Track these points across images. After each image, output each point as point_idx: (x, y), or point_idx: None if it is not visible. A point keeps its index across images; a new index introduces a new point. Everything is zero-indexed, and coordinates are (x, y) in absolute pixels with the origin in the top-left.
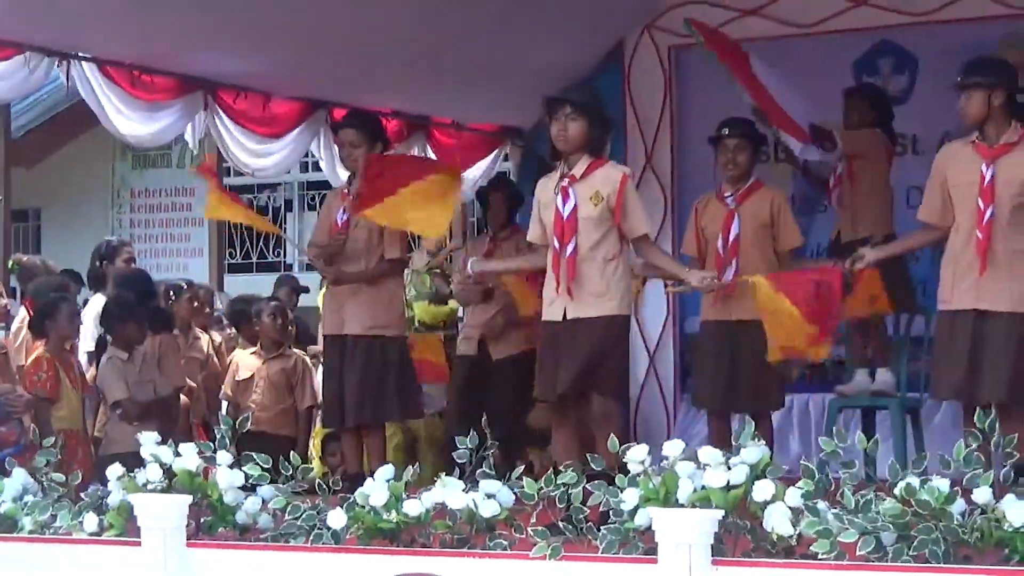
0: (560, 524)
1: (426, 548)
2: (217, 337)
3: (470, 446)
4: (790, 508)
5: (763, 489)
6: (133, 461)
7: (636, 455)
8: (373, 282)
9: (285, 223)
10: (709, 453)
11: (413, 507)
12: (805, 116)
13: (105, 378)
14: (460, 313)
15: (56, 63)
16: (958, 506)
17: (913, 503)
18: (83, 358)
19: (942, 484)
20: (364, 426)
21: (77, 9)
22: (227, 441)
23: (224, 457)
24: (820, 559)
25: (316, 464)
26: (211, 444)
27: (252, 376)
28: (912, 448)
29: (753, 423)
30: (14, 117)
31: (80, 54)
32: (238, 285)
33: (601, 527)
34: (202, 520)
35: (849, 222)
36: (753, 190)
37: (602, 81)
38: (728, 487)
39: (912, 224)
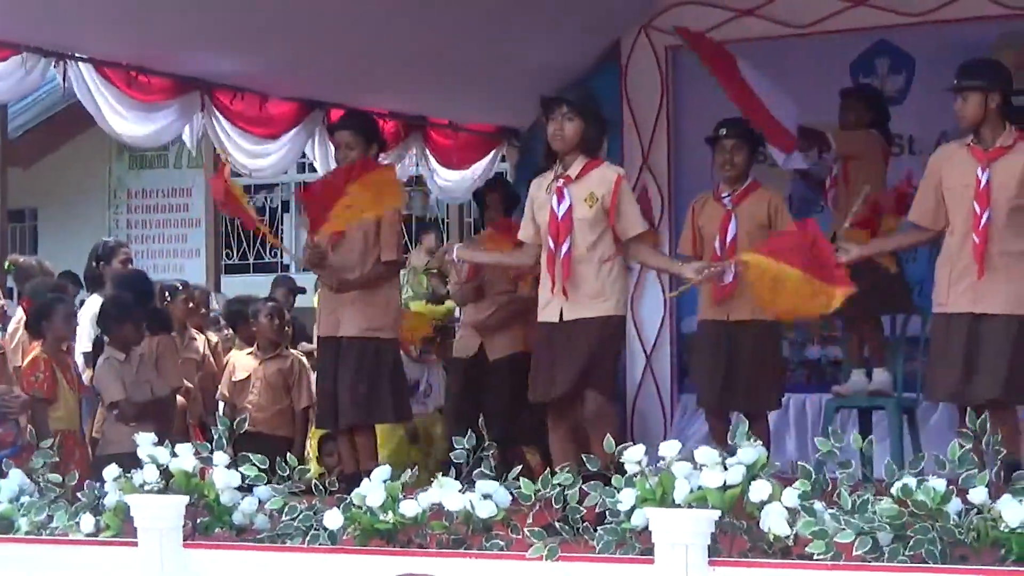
0: (557, 524)
1: (423, 549)
2: (214, 337)
3: (467, 446)
4: (787, 508)
5: (760, 489)
6: (130, 462)
7: (633, 455)
8: (369, 284)
9: (282, 224)
10: (706, 453)
11: (410, 508)
12: (794, 119)
13: (102, 379)
14: (457, 313)
15: (52, 64)
16: (954, 506)
17: (909, 503)
18: (79, 359)
19: (938, 484)
20: (356, 427)
21: (74, 10)
22: (224, 442)
23: (221, 458)
24: (816, 559)
25: (313, 465)
26: (208, 445)
27: (249, 377)
28: (909, 448)
29: (747, 422)
30: (11, 117)
31: (77, 55)
32: (235, 286)
33: (598, 527)
34: (199, 521)
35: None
36: (750, 191)
37: (599, 81)
38: (725, 487)
39: (907, 225)
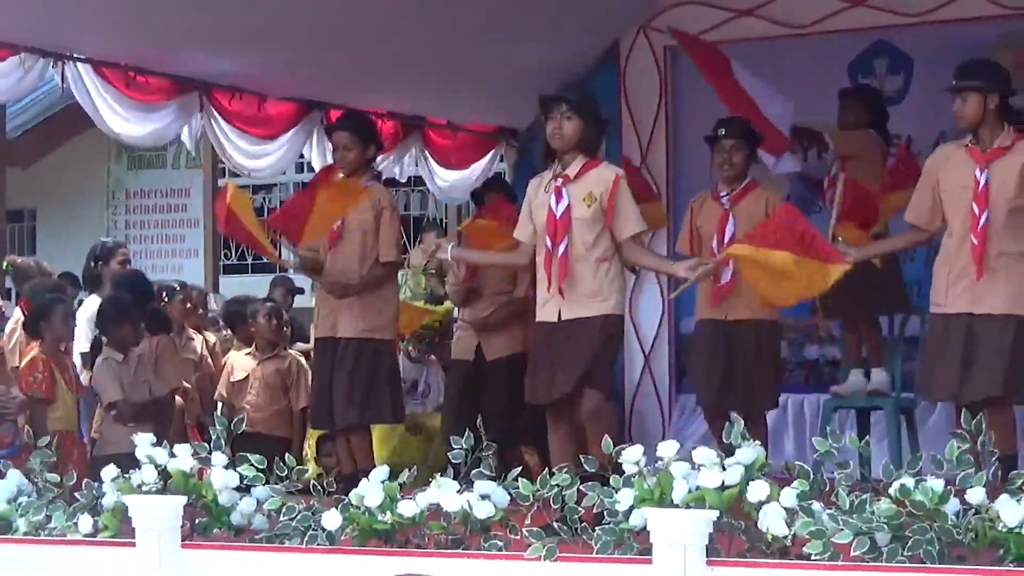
0: (555, 525)
1: (421, 549)
2: (211, 338)
3: (465, 447)
4: (785, 508)
5: (758, 489)
6: (128, 462)
7: (631, 455)
8: (370, 288)
9: None
10: (704, 453)
11: (408, 508)
12: (787, 121)
13: (100, 379)
14: (456, 313)
15: (51, 64)
16: (952, 506)
17: (908, 503)
18: (77, 359)
19: (936, 484)
20: (352, 428)
21: (72, 10)
22: (222, 442)
23: (219, 458)
24: (814, 559)
25: (311, 465)
26: (206, 445)
27: (247, 377)
28: (907, 449)
29: (742, 421)
30: (10, 117)
31: (75, 55)
32: (233, 286)
33: (596, 528)
34: (197, 521)
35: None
36: (749, 190)
37: (598, 81)
38: (723, 487)
39: (905, 225)
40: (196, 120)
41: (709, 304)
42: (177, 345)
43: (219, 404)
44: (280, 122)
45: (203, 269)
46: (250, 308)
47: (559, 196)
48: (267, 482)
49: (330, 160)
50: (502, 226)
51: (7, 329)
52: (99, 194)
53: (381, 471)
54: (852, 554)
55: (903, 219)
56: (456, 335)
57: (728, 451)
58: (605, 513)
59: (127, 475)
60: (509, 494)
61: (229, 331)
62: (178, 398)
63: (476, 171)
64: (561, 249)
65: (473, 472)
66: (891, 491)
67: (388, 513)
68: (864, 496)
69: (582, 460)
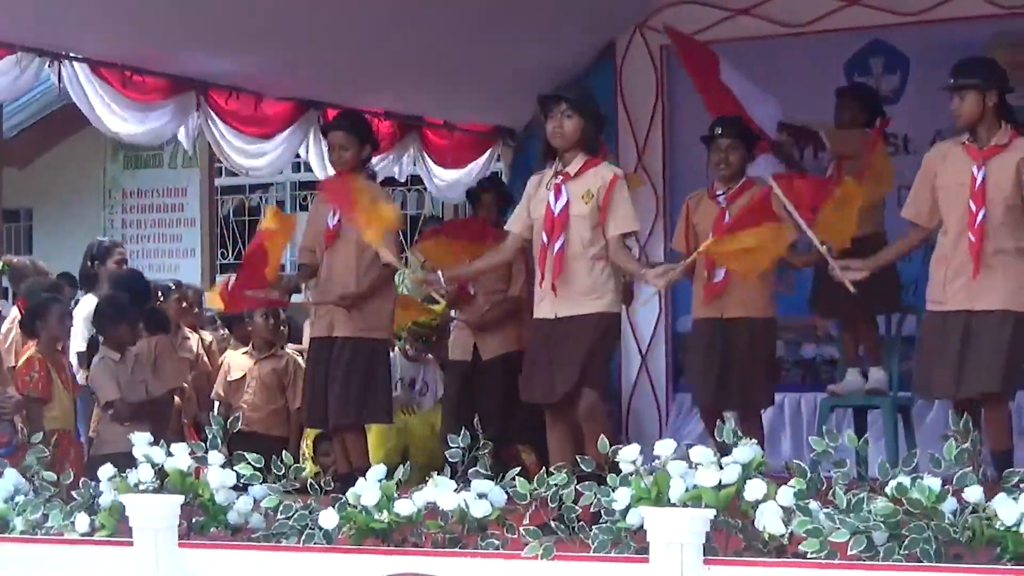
0: (552, 524)
1: (418, 548)
2: (207, 337)
3: (462, 445)
4: (782, 507)
5: (755, 488)
6: (125, 461)
7: (628, 455)
8: (373, 292)
9: None
10: (701, 452)
11: (405, 507)
12: (773, 123)
13: (97, 379)
14: (453, 313)
15: (47, 63)
16: (949, 505)
17: (904, 502)
18: (74, 358)
19: (933, 483)
20: (347, 427)
21: (69, 10)
22: (219, 441)
23: (216, 457)
24: (811, 558)
25: (308, 464)
26: (203, 444)
27: (244, 376)
28: (904, 447)
29: (735, 419)
30: (6, 117)
31: (72, 54)
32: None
33: (593, 526)
34: (194, 520)
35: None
36: (745, 189)
37: (594, 81)
38: (720, 486)
39: (901, 224)
40: (193, 119)
41: (704, 303)
42: (174, 344)
43: (216, 403)
44: (276, 121)
45: (200, 268)
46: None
47: (558, 193)
48: (264, 481)
49: (327, 159)
50: (464, 243)
51: (3, 328)
52: (95, 193)
53: (378, 470)
54: (849, 553)
55: (900, 215)
56: (452, 336)
57: (724, 450)
58: (602, 512)
59: (124, 474)
60: (506, 493)
61: (226, 330)
62: (176, 398)
63: (473, 170)
64: (557, 246)
65: (470, 471)
66: (888, 490)
67: (385, 512)
68: (861, 495)
69: (579, 460)
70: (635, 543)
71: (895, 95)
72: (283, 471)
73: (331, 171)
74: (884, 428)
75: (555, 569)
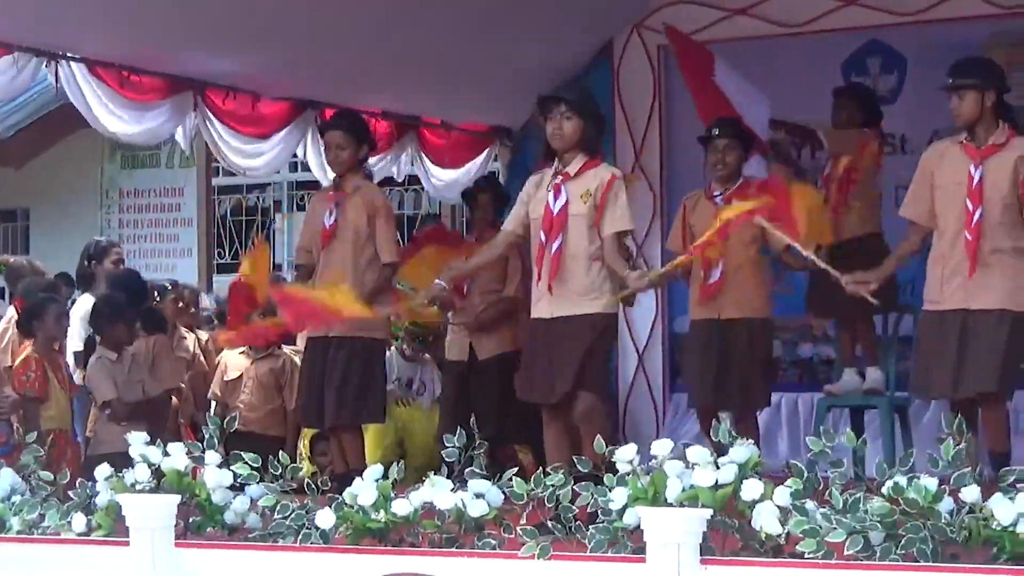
0: (549, 523)
1: (415, 548)
2: (204, 336)
3: (458, 445)
4: (778, 507)
5: (751, 488)
6: (121, 461)
7: (624, 454)
8: (363, 285)
9: (274, 223)
10: (697, 452)
11: (402, 507)
12: (764, 124)
13: (94, 378)
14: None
15: (44, 63)
16: (946, 504)
17: (901, 502)
18: (70, 358)
19: (930, 483)
20: (344, 427)
21: (65, 9)
22: (215, 441)
23: (212, 457)
24: (808, 558)
25: (305, 464)
26: (199, 444)
27: (241, 376)
28: (901, 447)
29: (731, 419)
30: (2, 117)
31: (69, 54)
32: (227, 285)
33: (590, 526)
34: (190, 520)
35: (836, 223)
36: (742, 190)
37: (591, 81)
38: (716, 486)
39: (898, 224)
40: (190, 119)
41: (700, 304)
42: (171, 344)
43: (213, 403)
44: (273, 121)
45: (197, 268)
46: None
47: (557, 193)
48: (261, 481)
49: (324, 158)
50: (441, 251)
51: (0, 328)
52: (92, 193)
53: (375, 470)
54: (845, 553)
55: (900, 215)
56: (448, 336)
57: (721, 450)
58: (599, 512)
59: (121, 474)
60: (503, 493)
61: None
62: (173, 398)
63: (471, 170)
64: (555, 246)
65: (467, 471)
66: (884, 489)
67: (382, 512)
68: (858, 495)
69: (576, 460)
70: (632, 543)
71: (892, 95)
72: (280, 471)
73: (329, 171)
74: (881, 428)
75: (552, 569)
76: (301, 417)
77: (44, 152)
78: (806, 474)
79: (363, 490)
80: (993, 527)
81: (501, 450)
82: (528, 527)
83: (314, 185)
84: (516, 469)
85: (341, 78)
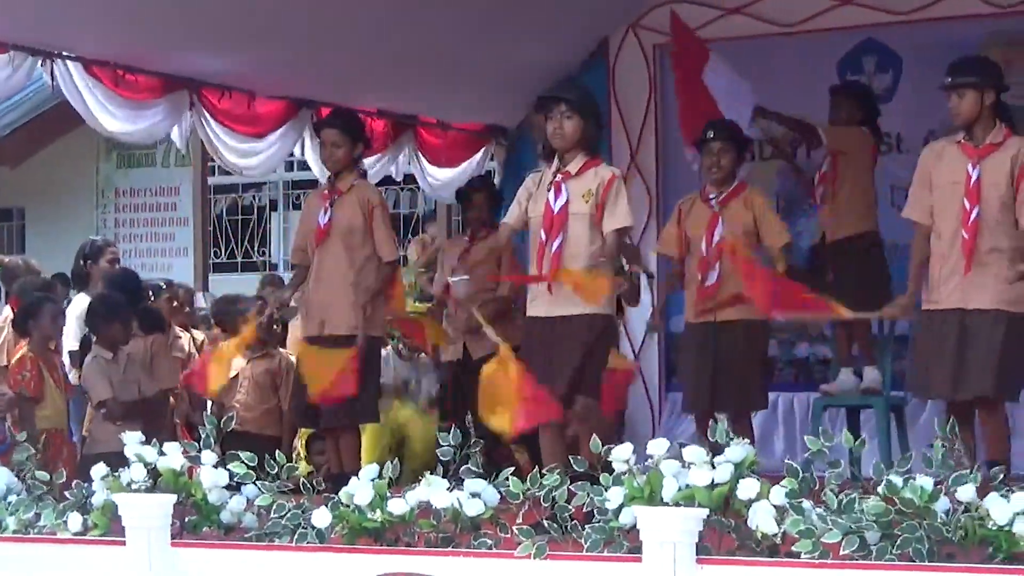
0: (545, 523)
1: (411, 547)
2: (199, 336)
3: (453, 444)
4: (774, 506)
5: (747, 488)
6: (117, 461)
7: (621, 454)
8: (358, 283)
9: (270, 223)
10: (694, 452)
11: (398, 506)
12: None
13: (89, 378)
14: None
15: (40, 62)
16: (942, 504)
17: (897, 501)
18: (66, 358)
19: (926, 482)
20: (342, 427)
21: (61, 9)
22: (211, 440)
23: (208, 456)
24: (804, 558)
25: (301, 464)
26: (195, 444)
27: (237, 376)
28: (897, 447)
29: (728, 420)
30: None
31: (64, 53)
32: (223, 284)
33: (586, 526)
34: (187, 519)
35: (832, 221)
36: (737, 192)
37: (587, 80)
38: (712, 485)
39: (896, 223)
40: (186, 118)
41: (696, 306)
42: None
43: (208, 403)
44: (270, 120)
45: (193, 267)
46: (240, 307)
47: (558, 192)
48: (257, 480)
49: (319, 157)
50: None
51: None
52: (88, 193)
53: (371, 469)
54: (841, 553)
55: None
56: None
57: (717, 449)
58: (595, 511)
59: (117, 473)
60: (499, 492)
61: (219, 330)
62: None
63: (467, 169)
64: (555, 244)
65: (463, 470)
66: (880, 489)
67: (378, 511)
68: (853, 495)
69: (572, 459)
70: (628, 542)
71: (888, 94)
72: (276, 470)
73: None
74: (877, 428)
75: (548, 568)
76: (295, 417)
77: (40, 151)
78: (801, 474)
79: (359, 489)
80: (989, 527)
81: (497, 450)
82: (524, 527)
83: (310, 184)
84: (512, 469)
85: (337, 77)
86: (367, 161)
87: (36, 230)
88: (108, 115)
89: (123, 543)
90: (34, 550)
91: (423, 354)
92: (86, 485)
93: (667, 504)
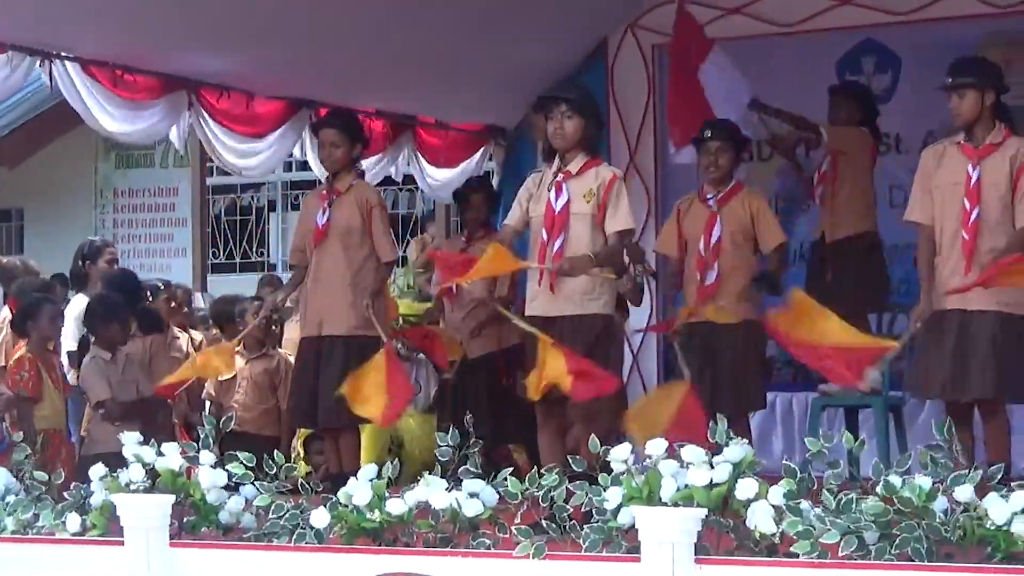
0: (544, 523)
1: (409, 547)
2: (197, 336)
3: (452, 444)
4: (773, 506)
5: (746, 488)
6: (116, 461)
7: (619, 454)
8: (357, 283)
9: (268, 223)
10: (692, 452)
11: (396, 506)
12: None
13: (88, 378)
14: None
15: (38, 63)
16: (940, 504)
17: (896, 501)
18: (64, 358)
19: (924, 482)
20: (342, 427)
21: (59, 9)
22: (210, 441)
23: (207, 457)
24: (802, 558)
25: (300, 464)
26: (193, 444)
27: (235, 376)
28: (895, 447)
29: (727, 420)
30: None
31: (63, 53)
32: (221, 285)
33: (584, 526)
34: (185, 520)
35: (831, 220)
36: (735, 192)
37: (585, 80)
38: (711, 485)
39: (893, 223)
40: (184, 119)
41: (696, 305)
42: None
43: (207, 403)
44: (268, 120)
45: (191, 268)
46: (238, 307)
47: (559, 191)
48: (255, 481)
49: (317, 156)
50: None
51: None
52: (87, 193)
53: (369, 469)
54: (840, 553)
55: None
56: None
57: (715, 449)
58: (594, 511)
59: (115, 474)
60: (498, 492)
61: (218, 330)
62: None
63: (466, 170)
64: (557, 244)
65: (461, 470)
66: (878, 489)
67: (376, 511)
68: (851, 495)
69: (570, 459)
70: (626, 542)
71: (887, 94)
72: (274, 471)
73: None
74: (876, 427)
75: (546, 568)
76: (291, 418)
77: (38, 152)
78: (799, 474)
79: (358, 490)
80: (987, 526)
81: (496, 450)
82: (523, 527)
83: (309, 184)
84: (511, 469)
85: (336, 77)
86: (367, 162)
87: (35, 230)
88: (107, 115)
89: (121, 543)
90: (32, 550)
91: (421, 354)
92: (84, 486)
93: (666, 504)
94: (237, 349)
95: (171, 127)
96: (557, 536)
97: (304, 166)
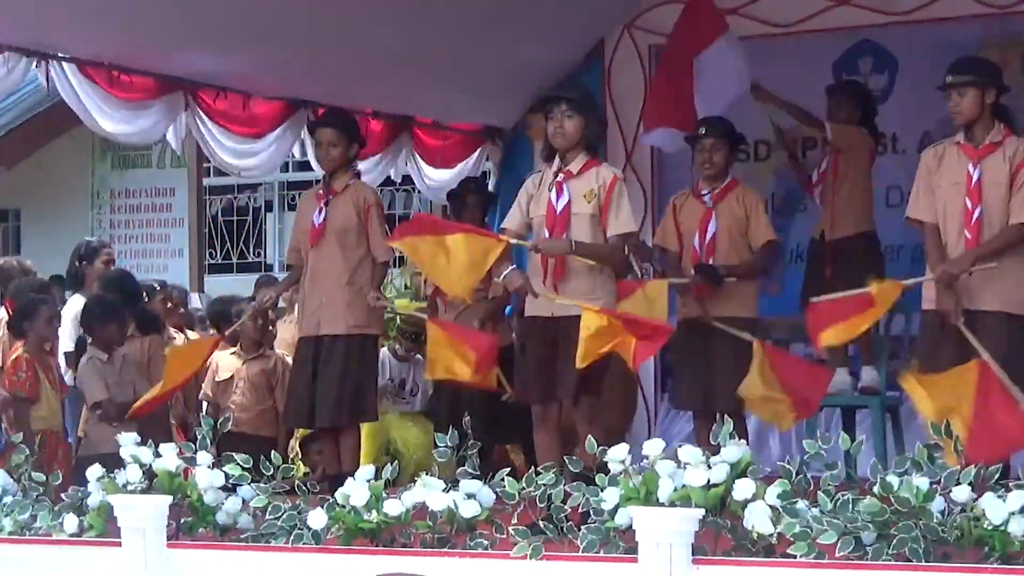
0: (541, 523)
1: (407, 548)
2: (194, 337)
3: (450, 445)
4: (770, 507)
5: (743, 488)
6: (113, 462)
7: (616, 454)
8: (354, 283)
9: (265, 223)
10: (689, 452)
11: (394, 507)
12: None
13: (85, 379)
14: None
15: (34, 63)
16: (938, 504)
17: (893, 501)
18: (61, 359)
19: (921, 482)
20: (340, 427)
21: (55, 9)
22: (207, 441)
23: (204, 457)
24: (799, 559)
25: (297, 464)
26: (190, 444)
27: (232, 377)
28: (892, 447)
29: (729, 421)
30: None
31: (59, 54)
32: (218, 286)
33: (582, 526)
34: (182, 520)
35: (831, 220)
36: (730, 189)
37: (582, 81)
38: (708, 486)
39: (892, 225)
40: (181, 119)
41: (690, 303)
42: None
43: (204, 404)
44: (266, 121)
45: (188, 269)
46: (235, 308)
47: (560, 192)
48: (253, 481)
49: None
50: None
51: None
52: (84, 194)
53: (367, 470)
54: (837, 553)
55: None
56: None
57: (713, 449)
58: (591, 512)
59: (113, 475)
60: (495, 493)
61: (214, 331)
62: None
63: (463, 170)
64: None
65: (459, 471)
66: (875, 489)
67: (374, 512)
68: (848, 496)
69: (567, 460)
70: (624, 543)
71: (883, 95)
72: (272, 471)
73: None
74: (873, 427)
75: (544, 569)
76: (288, 418)
77: (35, 152)
78: (795, 475)
79: (355, 490)
80: (984, 526)
81: (494, 451)
82: (520, 527)
83: (306, 185)
84: (508, 469)
85: (334, 77)
86: (366, 163)
87: (31, 231)
88: (104, 116)
89: (119, 544)
90: (30, 551)
91: (419, 355)
92: (82, 487)
93: (663, 504)
94: (234, 351)
95: (168, 128)
96: (554, 537)
97: (301, 166)
